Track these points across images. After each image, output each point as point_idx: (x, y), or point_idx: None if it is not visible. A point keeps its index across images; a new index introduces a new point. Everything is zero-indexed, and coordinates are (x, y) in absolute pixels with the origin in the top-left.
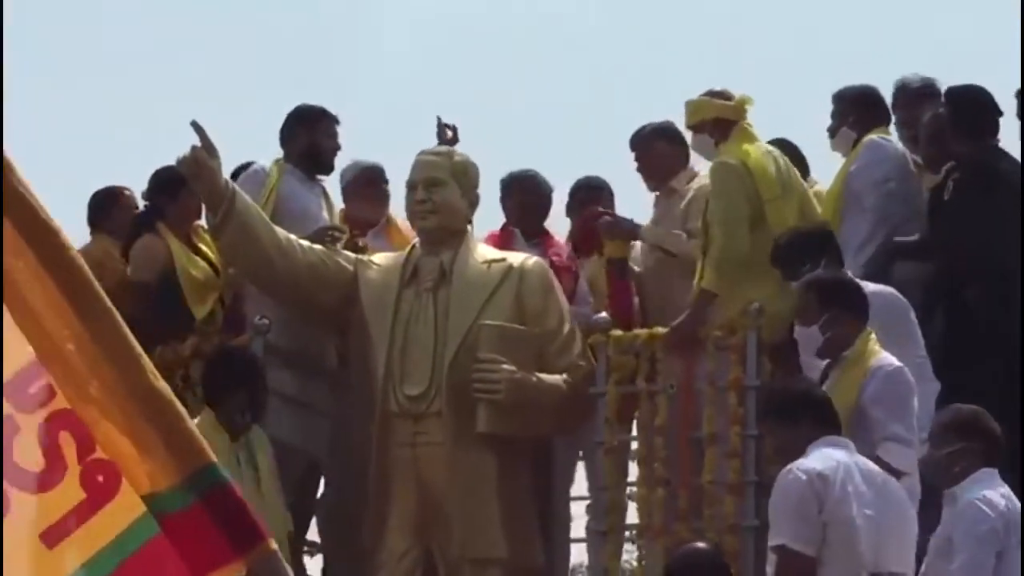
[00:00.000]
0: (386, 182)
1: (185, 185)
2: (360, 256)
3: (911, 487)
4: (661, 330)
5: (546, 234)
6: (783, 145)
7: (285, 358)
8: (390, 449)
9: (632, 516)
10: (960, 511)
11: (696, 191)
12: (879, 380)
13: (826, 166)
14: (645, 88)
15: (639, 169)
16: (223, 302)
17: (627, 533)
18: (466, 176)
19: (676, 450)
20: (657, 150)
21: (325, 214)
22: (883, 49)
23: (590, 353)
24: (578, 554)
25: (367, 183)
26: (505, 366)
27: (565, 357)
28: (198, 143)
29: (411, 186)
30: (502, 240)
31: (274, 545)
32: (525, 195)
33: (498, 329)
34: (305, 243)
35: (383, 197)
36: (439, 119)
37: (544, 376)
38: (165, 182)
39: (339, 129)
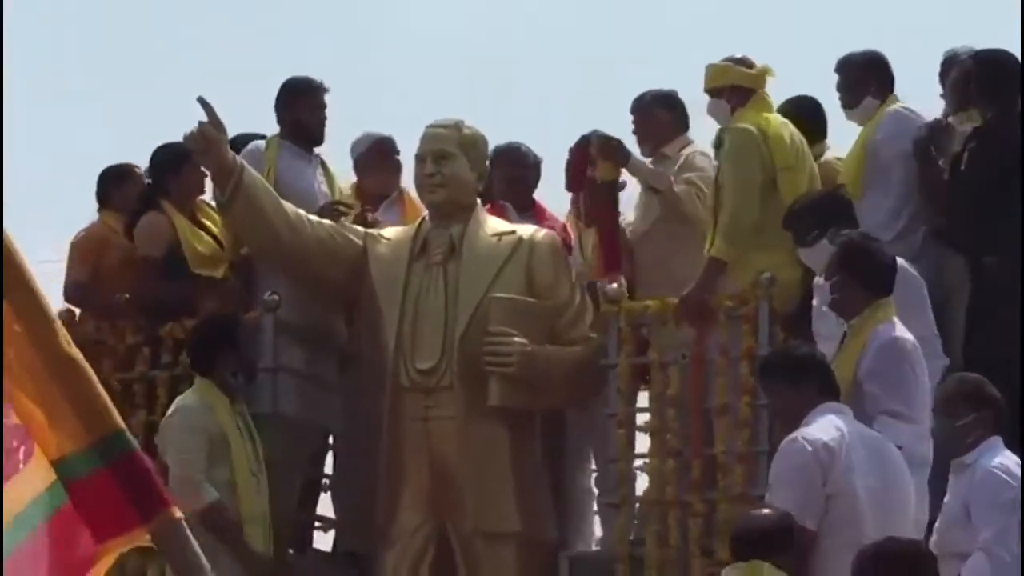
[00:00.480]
0: (397, 153)
1: (188, 160)
2: (369, 230)
3: (909, 458)
4: (673, 301)
5: (537, 206)
6: (804, 103)
7: (296, 334)
8: (401, 423)
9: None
10: (980, 480)
11: (688, 155)
12: (873, 353)
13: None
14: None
15: (635, 132)
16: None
17: (638, 506)
18: (475, 148)
19: (688, 421)
20: (656, 116)
21: (324, 187)
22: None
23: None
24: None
25: (378, 155)
26: (516, 339)
27: (576, 329)
28: (204, 119)
29: (420, 159)
30: (493, 215)
31: (178, 514)
32: (511, 167)
33: (509, 302)
34: (314, 218)
35: (395, 168)
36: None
37: (555, 349)
38: (169, 158)
39: (328, 98)
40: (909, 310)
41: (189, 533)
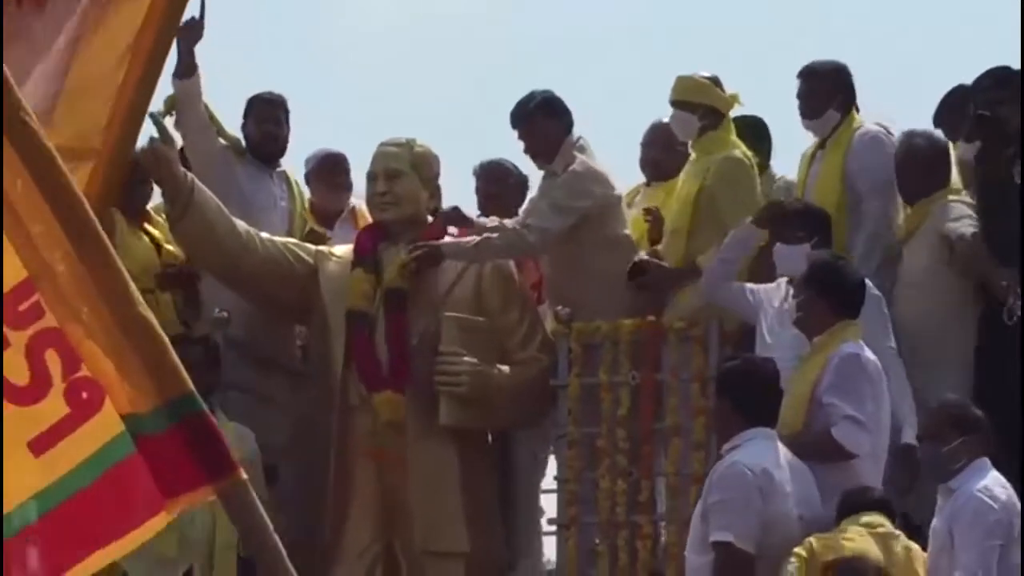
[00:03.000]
0: (347, 171)
1: (137, 175)
2: (320, 248)
3: (863, 470)
4: (624, 322)
5: None
6: (756, 123)
7: (244, 351)
8: (350, 441)
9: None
10: (961, 505)
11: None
12: (833, 368)
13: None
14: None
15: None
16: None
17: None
18: (426, 167)
19: (638, 442)
20: (543, 127)
21: (285, 203)
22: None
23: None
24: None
25: (328, 171)
26: (466, 358)
27: (526, 349)
28: (156, 135)
29: (371, 177)
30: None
31: (244, 475)
32: (489, 183)
33: (459, 321)
34: (265, 235)
35: (344, 186)
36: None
37: (505, 368)
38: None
39: (282, 114)
40: (869, 325)
41: (255, 496)
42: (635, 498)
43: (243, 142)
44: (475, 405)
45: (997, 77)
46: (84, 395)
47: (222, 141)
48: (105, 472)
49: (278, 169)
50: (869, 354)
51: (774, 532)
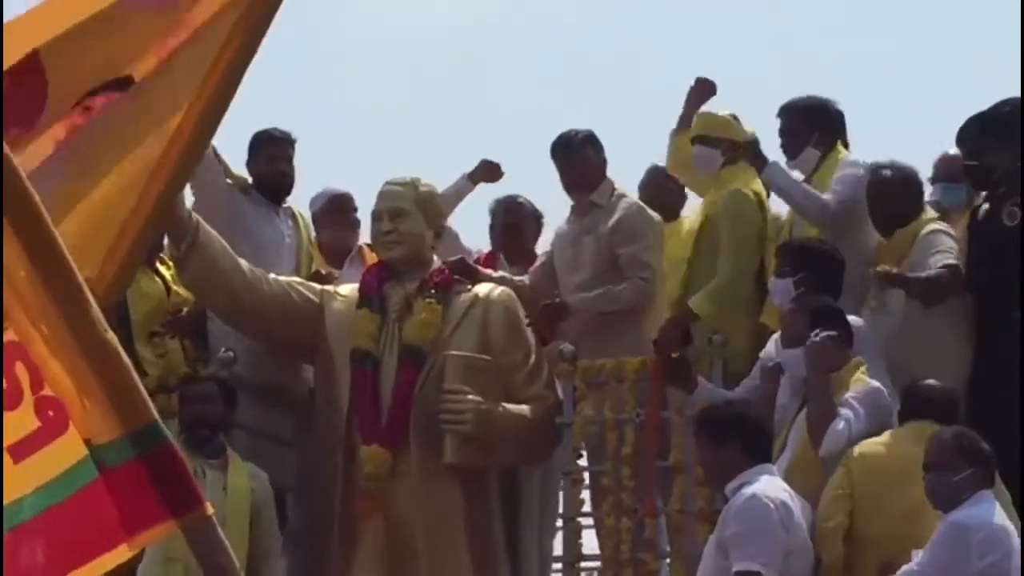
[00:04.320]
0: (355, 209)
1: None
2: (326, 287)
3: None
4: (629, 360)
5: (531, 259)
6: None
7: (251, 389)
8: (356, 481)
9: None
10: (939, 530)
11: (627, 211)
12: (860, 391)
13: None
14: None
15: (563, 177)
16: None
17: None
18: (430, 205)
19: (644, 479)
20: (587, 159)
21: (289, 240)
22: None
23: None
24: None
25: (335, 211)
26: (471, 397)
27: (531, 387)
28: None
29: (376, 216)
30: (486, 263)
31: (210, 511)
32: (505, 215)
33: (463, 360)
34: (271, 275)
35: (352, 224)
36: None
37: (510, 407)
38: None
39: (291, 151)
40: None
41: (221, 532)
42: (640, 535)
43: (249, 179)
44: (480, 443)
45: (982, 123)
46: (51, 413)
47: (228, 180)
48: (76, 493)
49: (284, 206)
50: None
51: (794, 563)
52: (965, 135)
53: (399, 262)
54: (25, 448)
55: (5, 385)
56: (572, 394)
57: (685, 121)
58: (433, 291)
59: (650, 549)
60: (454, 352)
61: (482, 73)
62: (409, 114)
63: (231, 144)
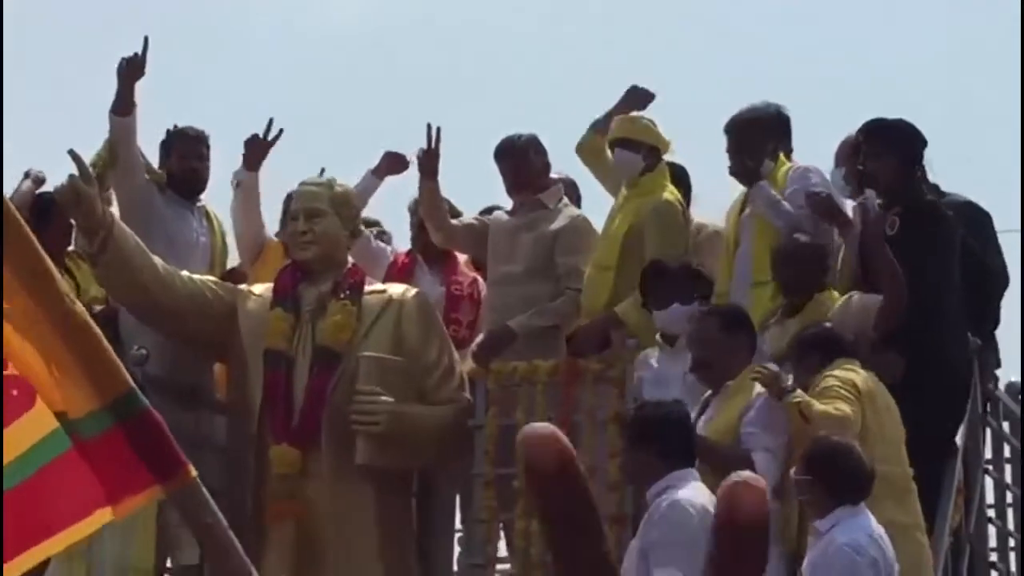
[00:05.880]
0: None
1: (58, 212)
2: (240, 286)
3: None
4: (541, 363)
5: (450, 263)
6: (676, 170)
7: (163, 387)
8: (268, 480)
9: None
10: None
11: (573, 220)
12: (756, 407)
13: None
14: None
15: (506, 179)
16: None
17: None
18: (347, 206)
19: None
20: (531, 162)
21: (203, 238)
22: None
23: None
24: None
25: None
26: (384, 398)
27: (444, 389)
28: (75, 172)
29: (292, 216)
30: (406, 264)
31: (194, 473)
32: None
33: (377, 361)
34: (185, 273)
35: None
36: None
37: (423, 408)
38: (37, 210)
39: (204, 148)
40: None
41: (206, 493)
42: None
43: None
44: (392, 444)
45: (865, 131)
46: (15, 392)
47: (147, 176)
48: (41, 468)
49: (198, 204)
50: None
51: None
52: (857, 143)
53: (313, 262)
54: None
55: None
56: (484, 396)
57: (606, 121)
58: (347, 292)
59: None
60: (367, 353)
61: (391, 73)
62: (318, 109)
63: (151, 143)
